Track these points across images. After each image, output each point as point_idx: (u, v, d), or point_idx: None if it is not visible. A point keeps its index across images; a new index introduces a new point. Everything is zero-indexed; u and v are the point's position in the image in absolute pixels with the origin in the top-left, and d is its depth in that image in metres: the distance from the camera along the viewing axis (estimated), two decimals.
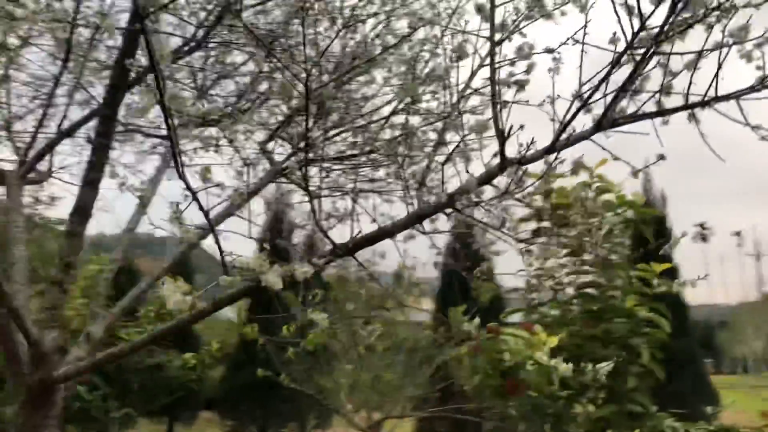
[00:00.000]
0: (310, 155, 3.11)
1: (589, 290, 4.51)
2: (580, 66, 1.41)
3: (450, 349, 4.67)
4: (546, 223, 3.84)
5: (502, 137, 1.42)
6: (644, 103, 1.32)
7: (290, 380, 4.31)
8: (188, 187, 1.65)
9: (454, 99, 1.76)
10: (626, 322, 4.19)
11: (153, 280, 3.26)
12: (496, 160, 1.47)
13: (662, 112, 1.32)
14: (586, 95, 1.36)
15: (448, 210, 1.56)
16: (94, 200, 3.35)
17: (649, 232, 4.38)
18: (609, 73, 1.33)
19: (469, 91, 1.78)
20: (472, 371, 3.73)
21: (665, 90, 1.35)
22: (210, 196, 3.82)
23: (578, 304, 4.49)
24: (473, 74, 1.82)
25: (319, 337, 4.25)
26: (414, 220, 1.60)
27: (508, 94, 1.51)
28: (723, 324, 43.18)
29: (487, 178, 1.47)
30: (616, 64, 1.33)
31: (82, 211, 3.31)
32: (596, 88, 1.39)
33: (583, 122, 1.47)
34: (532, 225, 4.27)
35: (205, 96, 3.93)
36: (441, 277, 10.05)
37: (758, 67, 1.38)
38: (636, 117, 1.35)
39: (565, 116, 1.39)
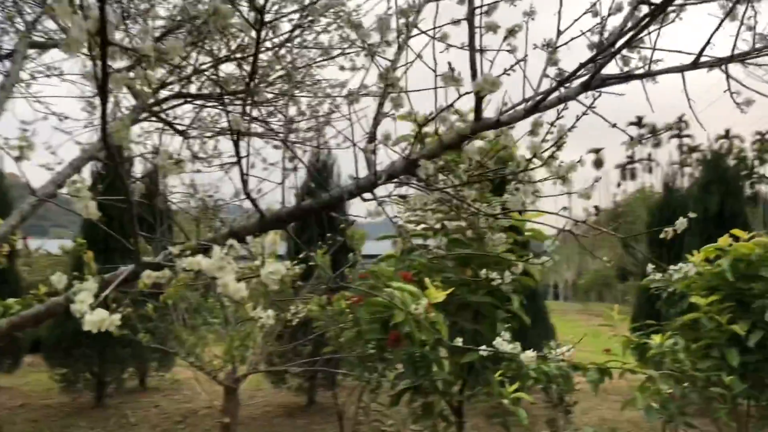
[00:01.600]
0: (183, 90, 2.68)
1: (458, 236, 4.50)
2: (560, 11, 1.20)
3: (317, 298, 4.49)
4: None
5: (479, 92, 1.18)
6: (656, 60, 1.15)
7: (150, 338, 3.92)
8: None
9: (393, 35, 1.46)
10: (497, 267, 4.24)
11: None
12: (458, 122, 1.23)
13: (672, 70, 1.16)
14: (591, 45, 1.16)
15: (405, 177, 1.30)
16: None
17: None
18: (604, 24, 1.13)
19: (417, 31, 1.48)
20: (353, 323, 3.59)
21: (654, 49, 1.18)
22: (54, 130, 3.25)
23: (448, 250, 4.47)
24: None
25: (175, 293, 3.84)
26: (367, 187, 1.32)
27: (488, 38, 1.27)
28: (539, 254, 46.85)
29: (458, 141, 1.24)
30: (618, 10, 1.14)
31: None
32: (600, 45, 1.18)
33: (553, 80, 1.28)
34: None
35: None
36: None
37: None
38: (629, 76, 1.18)
39: (542, 74, 1.18)
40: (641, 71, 1.18)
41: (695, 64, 1.22)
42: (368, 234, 4.68)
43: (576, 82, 1.19)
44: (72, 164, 2.00)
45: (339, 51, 2.61)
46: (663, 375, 4.66)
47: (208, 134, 2.79)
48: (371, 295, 3.29)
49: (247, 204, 1.75)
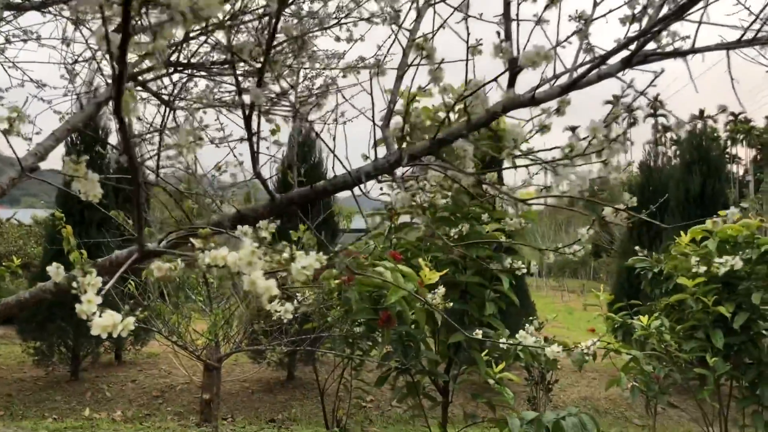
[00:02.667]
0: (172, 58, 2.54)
1: (445, 214, 4.43)
2: None
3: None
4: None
5: (515, 64, 1.09)
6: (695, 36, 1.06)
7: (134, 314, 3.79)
8: None
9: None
10: (486, 248, 4.17)
11: None
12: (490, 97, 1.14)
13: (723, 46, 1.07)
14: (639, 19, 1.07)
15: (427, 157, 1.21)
16: None
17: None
18: None
19: None
20: (343, 303, 3.51)
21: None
22: (31, 98, 3.09)
23: (437, 227, 4.39)
24: None
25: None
26: (385, 169, 1.22)
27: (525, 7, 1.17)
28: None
29: (487, 120, 1.14)
30: None
31: None
32: (643, 10, 1.09)
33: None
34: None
35: None
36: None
37: None
38: (673, 53, 1.09)
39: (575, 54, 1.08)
40: (686, 48, 1.10)
41: (740, 42, 1.13)
42: (355, 212, 4.59)
43: (615, 58, 1.10)
44: (54, 135, 1.88)
45: (335, 20, 2.49)
46: (647, 355, 4.67)
47: (198, 106, 2.65)
48: (361, 274, 3.20)
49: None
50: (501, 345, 4.20)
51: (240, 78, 2.58)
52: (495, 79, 1.14)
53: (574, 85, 1.10)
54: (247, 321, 4.32)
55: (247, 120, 1.04)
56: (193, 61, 2.62)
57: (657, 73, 1.21)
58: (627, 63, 1.09)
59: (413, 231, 4.29)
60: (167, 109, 2.54)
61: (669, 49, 1.17)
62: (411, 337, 3.88)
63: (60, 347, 8.48)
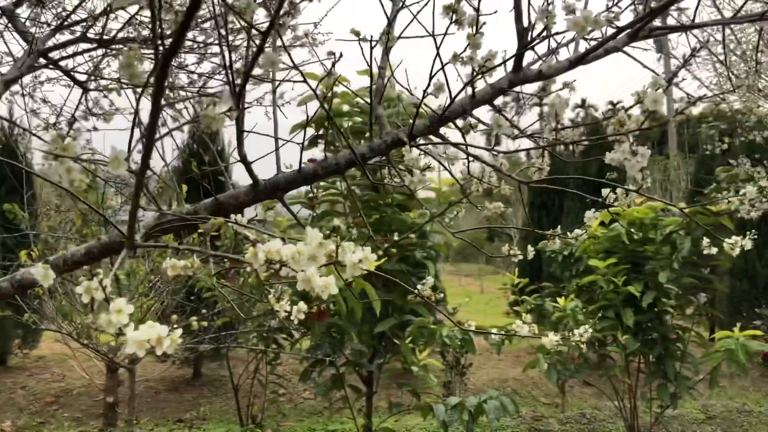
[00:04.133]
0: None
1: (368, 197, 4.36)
2: None
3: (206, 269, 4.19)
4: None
5: (524, 34, 1.00)
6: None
7: (37, 318, 3.43)
8: None
9: None
10: (409, 236, 4.14)
11: None
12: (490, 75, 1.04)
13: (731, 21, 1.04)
14: None
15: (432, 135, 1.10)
16: None
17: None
18: None
19: None
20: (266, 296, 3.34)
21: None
22: None
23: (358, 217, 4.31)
24: None
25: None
26: (385, 148, 1.11)
27: None
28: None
29: (492, 95, 1.05)
30: None
31: None
32: None
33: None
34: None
35: None
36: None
37: None
38: (676, 28, 1.05)
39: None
40: (686, 23, 1.06)
41: (735, 18, 1.11)
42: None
43: (621, 33, 1.04)
44: None
45: None
46: (562, 336, 4.80)
47: (113, 86, 2.41)
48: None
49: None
50: (422, 328, 4.18)
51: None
52: (532, 47, 1.05)
53: (583, 59, 1.04)
54: (163, 317, 4.05)
55: (238, 94, 0.89)
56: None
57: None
58: (633, 37, 1.04)
59: (336, 219, 4.18)
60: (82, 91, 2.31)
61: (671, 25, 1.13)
62: (339, 329, 3.78)
63: None
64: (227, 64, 0.91)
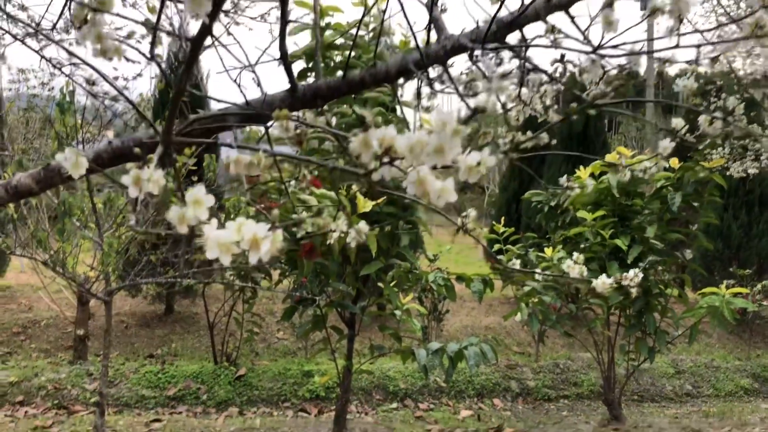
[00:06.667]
0: None
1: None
2: None
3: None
4: None
5: None
6: None
7: (9, 243, 3.26)
8: None
9: None
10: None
11: None
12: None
13: None
14: None
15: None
16: None
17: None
18: None
19: None
20: None
21: None
22: None
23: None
24: None
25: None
26: (444, 56, 0.97)
27: None
28: None
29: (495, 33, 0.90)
30: None
31: None
32: None
33: None
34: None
35: None
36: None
37: None
38: None
39: None
40: None
41: None
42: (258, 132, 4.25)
43: None
44: None
45: None
46: (544, 286, 4.77)
47: None
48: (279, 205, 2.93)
49: None
50: (409, 273, 4.11)
51: None
52: None
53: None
54: (140, 252, 3.90)
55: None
56: None
57: None
58: None
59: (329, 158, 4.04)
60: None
61: None
62: (324, 269, 3.68)
63: None
64: None
